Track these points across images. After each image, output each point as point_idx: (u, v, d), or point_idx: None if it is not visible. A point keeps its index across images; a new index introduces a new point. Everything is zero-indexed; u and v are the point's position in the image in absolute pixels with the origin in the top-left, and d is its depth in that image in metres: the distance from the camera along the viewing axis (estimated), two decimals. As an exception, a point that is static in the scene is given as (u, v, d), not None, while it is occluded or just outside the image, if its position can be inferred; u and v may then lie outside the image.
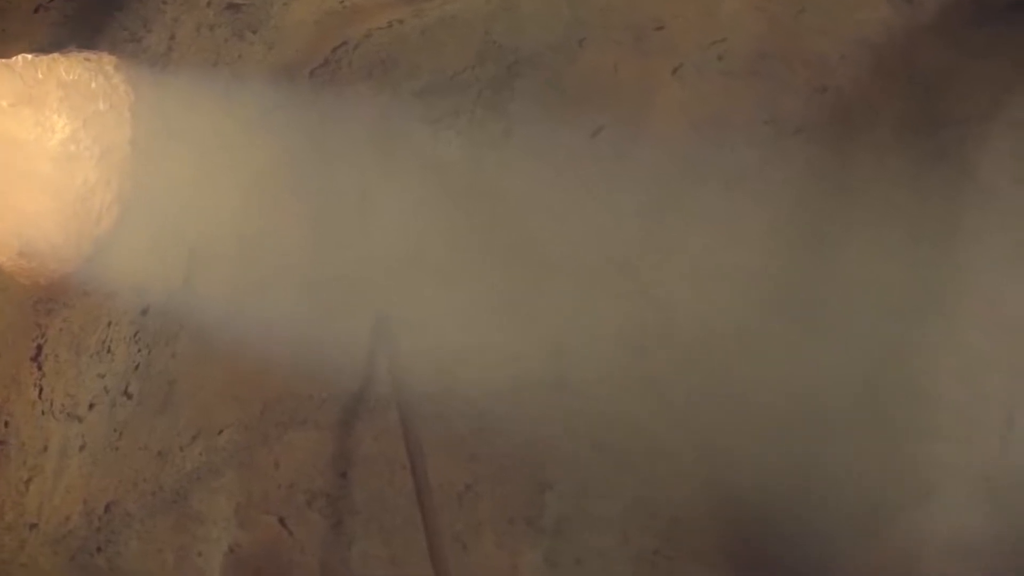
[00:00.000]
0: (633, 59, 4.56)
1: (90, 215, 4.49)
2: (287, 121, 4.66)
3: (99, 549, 4.68)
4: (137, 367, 4.65)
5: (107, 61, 4.41)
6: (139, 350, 4.64)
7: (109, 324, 4.59)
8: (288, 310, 4.69)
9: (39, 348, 4.56)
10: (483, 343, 4.57)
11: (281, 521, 4.71)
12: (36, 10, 4.10)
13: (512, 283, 4.59)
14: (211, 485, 4.69)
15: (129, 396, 4.65)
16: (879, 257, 4.61)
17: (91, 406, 4.63)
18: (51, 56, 4.32)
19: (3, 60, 4.27)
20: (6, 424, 4.57)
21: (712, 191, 4.58)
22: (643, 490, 4.61)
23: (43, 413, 4.58)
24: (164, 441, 4.68)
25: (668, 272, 4.59)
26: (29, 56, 4.30)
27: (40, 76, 4.40)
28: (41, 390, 4.57)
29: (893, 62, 4.49)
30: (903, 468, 4.69)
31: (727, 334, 4.63)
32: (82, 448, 4.63)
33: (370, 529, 4.59)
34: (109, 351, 4.60)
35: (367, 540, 4.58)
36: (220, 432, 4.72)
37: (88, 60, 4.38)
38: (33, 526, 4.61)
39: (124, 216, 4.48)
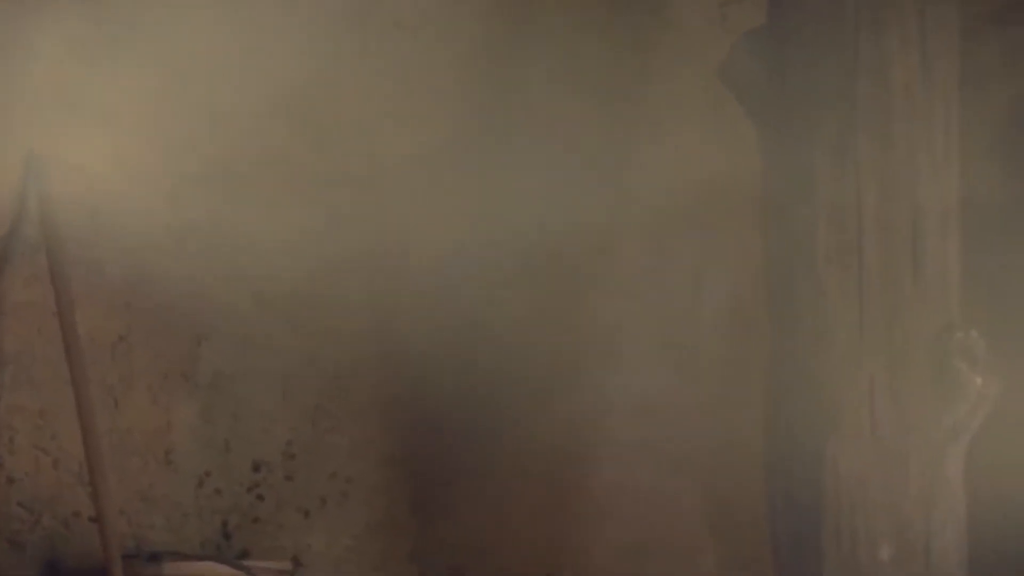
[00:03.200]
0: None
1: None
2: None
3: None
4: None
5: None
6: None
7: None
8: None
9: None
10: (140, 187, 4.31)
11: (-78, 372, 4.46)
12: None
13: (173, 124, 4.34)
14: None
15: None
16: (566, 104, 4.56)
17: None
18: None
19: None
20: None
21: (391, 31, 4.46)
22: (307, 345, 4.48)
23: None
24: None
25: (341, 115, 4.48)
26: None
27: None
28: None
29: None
30: (584, 327, 4.63)
31: (402, 180, 4.52)
32: None
33: (19, 380, 4.29)
34: None
35: (16, 392, 4.28)
36: None
37: None
38: None
39: None
